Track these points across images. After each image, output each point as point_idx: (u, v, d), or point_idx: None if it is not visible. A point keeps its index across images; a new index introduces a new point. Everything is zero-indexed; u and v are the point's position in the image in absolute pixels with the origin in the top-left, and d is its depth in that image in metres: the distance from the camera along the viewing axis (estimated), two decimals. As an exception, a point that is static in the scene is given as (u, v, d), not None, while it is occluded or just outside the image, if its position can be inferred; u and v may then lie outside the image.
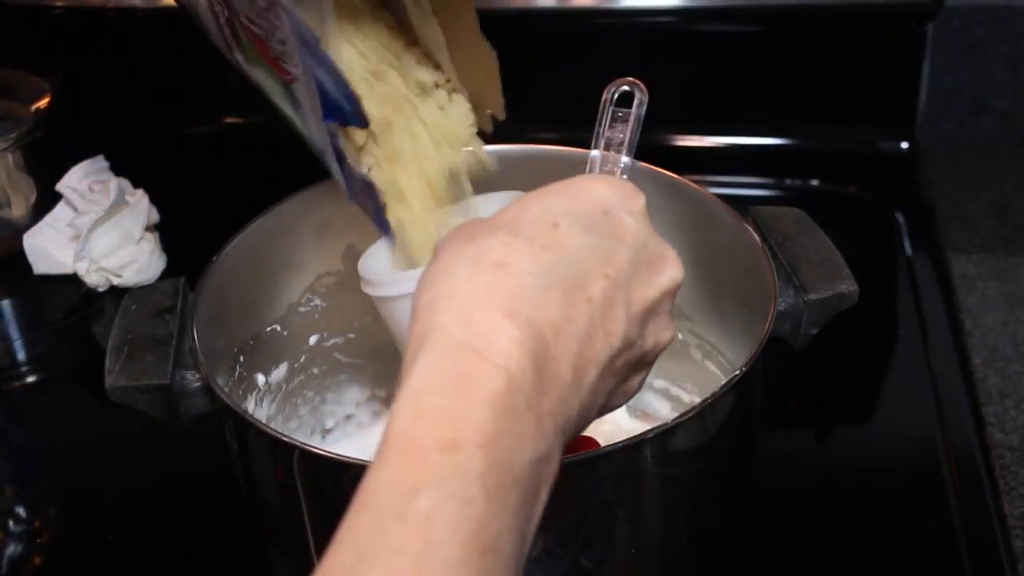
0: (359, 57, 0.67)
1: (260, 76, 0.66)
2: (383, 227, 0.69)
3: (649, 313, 0.49)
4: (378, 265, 0.70)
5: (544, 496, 0.42)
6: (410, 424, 0.40)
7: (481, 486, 0.39)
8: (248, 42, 0.63)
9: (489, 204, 0.72)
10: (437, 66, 0.70)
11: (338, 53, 0.65)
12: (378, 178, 0.67)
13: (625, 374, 0.48)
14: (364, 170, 0.66)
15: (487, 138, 0.71)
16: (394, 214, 0.68)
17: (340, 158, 0.64)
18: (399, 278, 0.68)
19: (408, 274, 0.68)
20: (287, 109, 0.67)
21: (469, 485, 0.39)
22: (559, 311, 0.44)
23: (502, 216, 0.48)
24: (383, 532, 0.38)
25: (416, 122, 0.68)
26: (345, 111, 0.62)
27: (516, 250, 0.45)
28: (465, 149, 0.70)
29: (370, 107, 0.63)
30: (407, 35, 0.70)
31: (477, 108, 0.71)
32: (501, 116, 0.71)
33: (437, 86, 0.70)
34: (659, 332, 0.50)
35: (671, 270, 0.50)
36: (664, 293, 0.49)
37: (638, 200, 0.50)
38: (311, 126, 0.64)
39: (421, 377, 0.41)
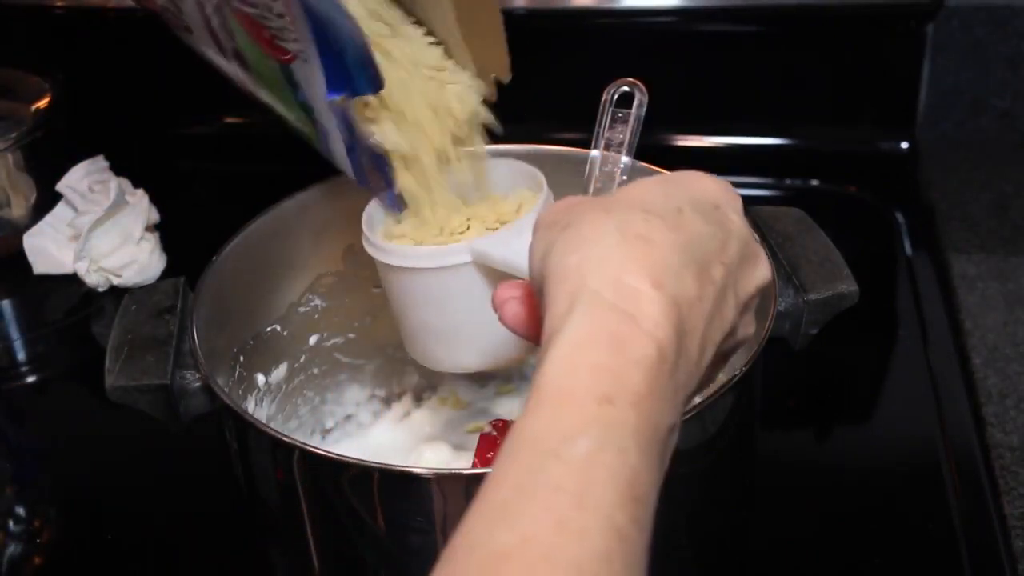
0: (367, 18, 0.66)
1: (254, 58, 0.65)
2: (394, 203, 0.68)
3: (747, 305, 0.51)
4: (381, 225, 0.70)
5: (667, 465, 0.44)
6: (566, 375, 0.42)
7: (635, 441, 0.41)
8: (240, 28, 0.62)
9: (497, 167, 0.72)
10: (432, 36, 0.69)
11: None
12: (388, 143, 0.66)
13: (720, 361, 0.50)
14: (374, 138, 0.65)
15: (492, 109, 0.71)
16: (404, 181, 0.68)
17: (349, 130, 0.63)
18: (410, 251, 0.67)
19: (422, 249, 0.67)
20: (280, 96, 0.66)
21: (625, 437, 0.41)
22: (693, 289, 0.46)
23: (627, 194, 0.49)
24: (542, 470, 0.39)
25: (421, 90, 0.68)
26: (353, 76, 0.60)
27: (656, 227, 0.46)
28: (471, 116, 0.69)
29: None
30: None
31: (481, 72, 0.70)
32: (506, 78, 0.70)
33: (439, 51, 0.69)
34: (748, 325, 0.52)
35: (764, 269, 0.51)
36: (759, 289, 0.51)
37: (739, 200, 0.52)
38: (316, 106, 0.63)
39: (577, 332, 0.43)
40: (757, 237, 0.52)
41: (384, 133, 0.66)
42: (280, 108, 0.68)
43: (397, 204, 0.69)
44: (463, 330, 0.68)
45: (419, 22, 0.70)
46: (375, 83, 0.61)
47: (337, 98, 0.61)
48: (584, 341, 0.43)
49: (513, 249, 0.61)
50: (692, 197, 0.50)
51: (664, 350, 0.43)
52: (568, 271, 0.45)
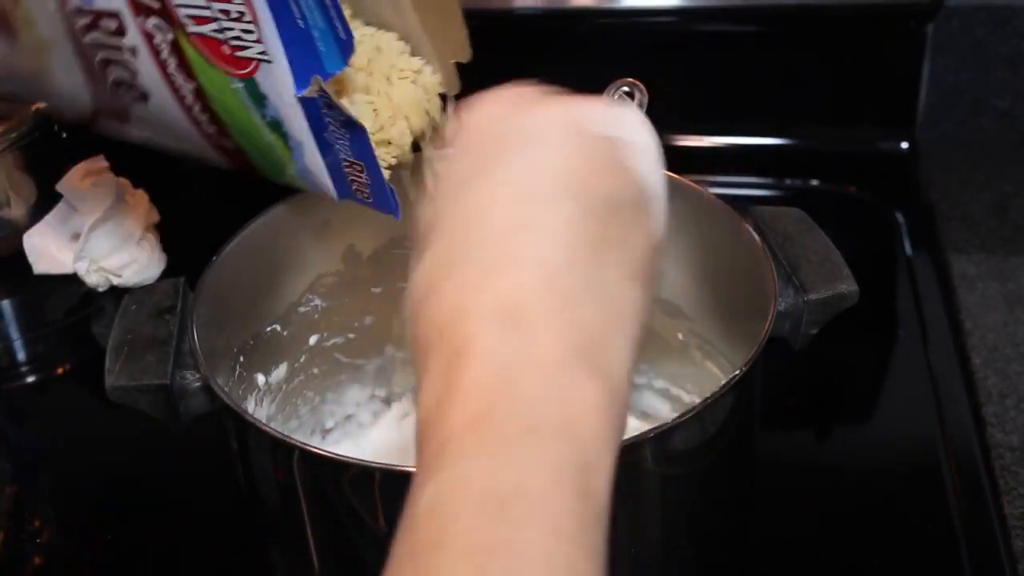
0: None
1: (219, 110, 0.64)
2: (387, 203, 0.67)
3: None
4: None
5: (583, 424, 0.41)
6: (420, 440, 0.42)
7: (480, 455, 0.39)
8: (197, 56, 0.62)
9: None
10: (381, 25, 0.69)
11: None
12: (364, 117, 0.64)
13: (624, 241, 0.46)
14: (353, 112, 0.63)
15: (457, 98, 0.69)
16: (385, 160, 0.66)
17: (322, 125, 0.62)
18: None
19: None
20: (257, 135, 0.65)
21: (462, 460, 0.39)
22: (506, 274, 0.44)
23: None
24: (407, 536, 0.38)
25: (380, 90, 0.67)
26: (320, 50, 0.59)
27: (456, 244, 0.46)
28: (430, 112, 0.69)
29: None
30: None
31: (440, 58, 0.68)
32: (466, 58, 0.69)
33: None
34: (616, 177, 0.48)
35: (572, 119, 0.50)
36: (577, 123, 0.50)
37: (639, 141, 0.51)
38: (285, 115, 0.62)
39: (422, 392, 0.43)
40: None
41: (358, 108, 0.65)
42: (252, 152, 0.68)
43: (393, 206, 0.68)
44: None
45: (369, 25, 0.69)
46: (345, 47, 0.59)
47: (307, 89, 0.60)
48: (426, 396, 0.42)
49: None
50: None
51: (490, 349, 0.41)
52: (412, 327, 0.45)
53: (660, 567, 0.66)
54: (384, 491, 0.60)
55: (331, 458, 0.60)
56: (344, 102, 0.64)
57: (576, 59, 1.11)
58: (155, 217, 1.03)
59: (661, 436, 0.59)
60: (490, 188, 0.47)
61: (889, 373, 0.91)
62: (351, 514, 0.61)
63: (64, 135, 1.08)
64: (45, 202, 1.03)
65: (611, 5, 1.09)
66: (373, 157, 0.64)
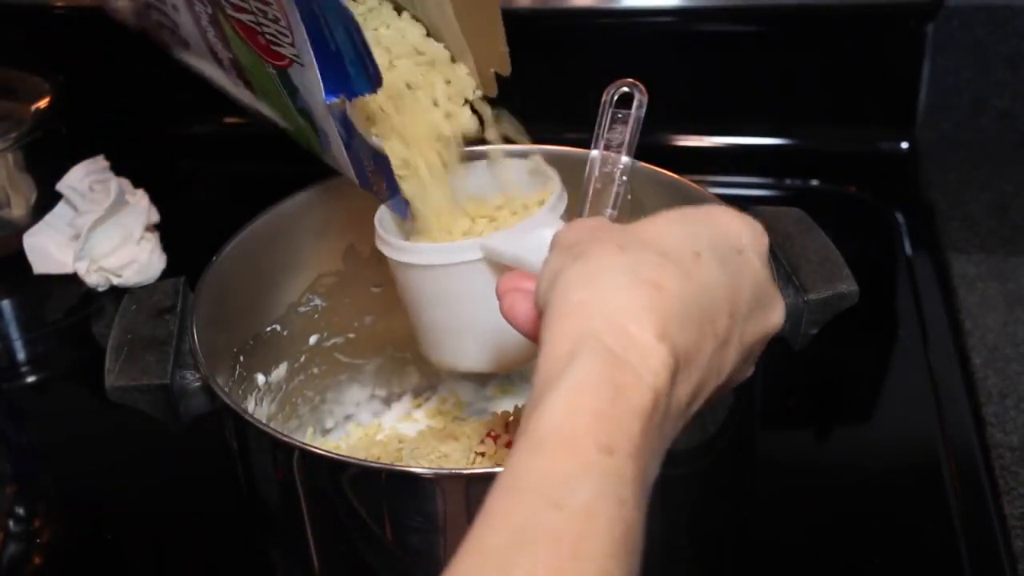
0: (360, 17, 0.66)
1: (250, 63, 0.65)
2: (401, 208, 0.68)
3: (750, 353, 0.50)
4: (393, 225, 0.70)
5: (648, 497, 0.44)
6: (567, 421, 0.42)
7: (631, 492, 0.41)
8: (236, 36, 0.62)
9: (508, 167, 0.72)
10: (427, 32, 0.69)
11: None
12: (386, 147, 0.66)
13: (706, 405, 0.49)
14: (374, 139, 0.64)
15: (492, 103, 0.70)
16: (406, 184, 0.68)
17: (349, 131, 0.63)
18: (421, 247, 0.67)
19: (433, 246, 0.67)
20: (287, 112, 0.66)
21: (623, 488, 0.41)
22: (693, 341, 0.45)
23: (645, 231, 0.48)
24: (541, 517, 0.39)
25: (421, 93, 0.68)
26: (351, 75, 0.60)
27: (668, 273, 0.45)
28: (469, 115, 0.69)
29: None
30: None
31: (480, 67, 0.70)
32: (506, 71, 0.70)
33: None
34: (747, 370, 0.51)
35: (778, 317, 0.51)
36: (766, 335, 0.51)
37: (765, 242, 0.51)
38: (315, 110, 0.63)
39: (578, 378, 0.43)
40: (776, 282, 0.51)
41: (383, 139, 0.66)
42: (281, 120, 0.68)
43: (404, 209, 0.68)
44: (473, 329, 0.68)
45: (416, 19, 0.70)
46: (373, 80, 0.60)
47: (335, 100, 0.61)
48: (585, 388, 0.42)
49: (523, 246, 0.60)
50: (714, 239, 0.49)
51: (659, 402, 0.43)
52: (571, 308, 0.45)
53: (660, 567, 0.66)
54: (384, 491, 0.60)
55: (331, 458, 0.60)
56: (368, 123, 0.65)
57: (576, 59, 1.11)
58: (155, 217, 1.03)
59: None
60: (693, 272, 0.47)
61: (889, 373, 0.91)
62: (351, 514, 0.61)
63: (64, 135, 1.08)
64: (45, 202, 1.03)
65: (611, 5, 1.09)
66: (392, 176, 0.66)
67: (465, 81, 0.69)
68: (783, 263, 0.70)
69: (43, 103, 1.06)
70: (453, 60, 0.70)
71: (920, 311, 0.94)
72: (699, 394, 0.47)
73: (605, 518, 0.40)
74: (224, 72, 0.67)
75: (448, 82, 0.69)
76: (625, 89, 0.65)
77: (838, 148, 1.14)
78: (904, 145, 1.13)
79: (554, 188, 0.68)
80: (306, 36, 0.58)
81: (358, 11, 0.67)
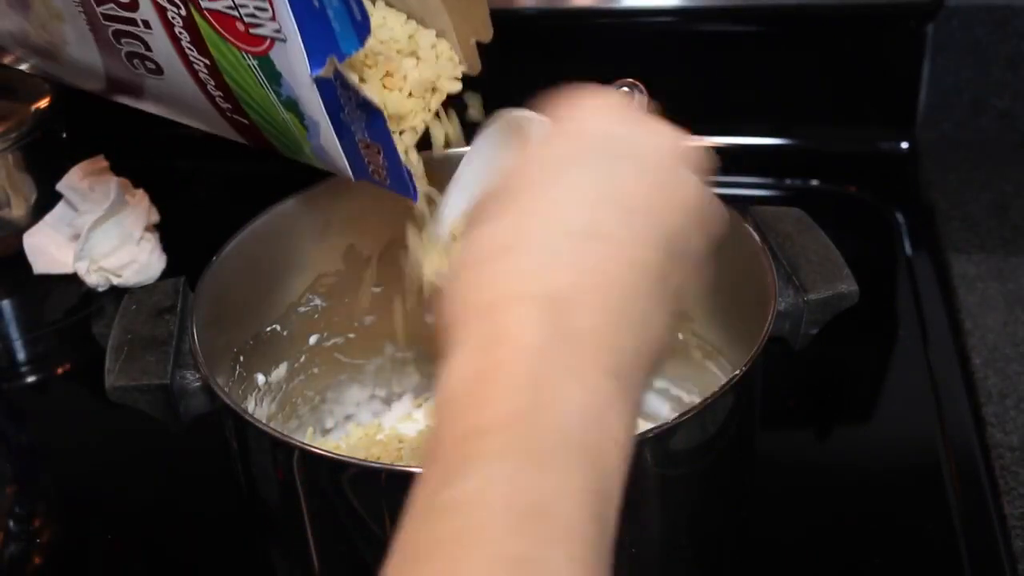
0: None
1: (234, 86, 0.64)
2: (403, 186, 0.67)
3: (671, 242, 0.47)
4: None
5: (613, 451, 0.40)
6: (445, 417, 0.40)
7: (523, 458, 0.38)
8: (212, 32, 0.61)
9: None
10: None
11: None
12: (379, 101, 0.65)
13: (668, 280, 0.46)
14: (366, 92, 0.63)
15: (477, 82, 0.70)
16: (404, 144, 0.67)
17: (337, 106, 0.61)
18: None
19: None
20: (273, 113, 0.65)
21: (507, 460, 0.38)
22: (567, 272, 0.43)
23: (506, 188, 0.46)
24: (425, 526, 0.37)
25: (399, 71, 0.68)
26: (336, 30, 0.58)
27: (522, 229, 0.44)
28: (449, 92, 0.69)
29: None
30: None
31: (462, 41, 0.69)
32: (487, 37, 0.69)
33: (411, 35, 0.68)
34: (682, 216, 0.47)
35: (663, 150, 0.49)
36: (683, 219, 0.47)
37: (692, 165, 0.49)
38: (300, 95, 0.62)
39: (444, 381, 0.41)
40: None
41: (374, 93, 0.65)
42: (268, 129, 0.67)
43: (408, 185, 0.67)
44: None
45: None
46: (361, 30, 0.59)
47: (322, 70, 0.60)
48: (456, 373, 0.41)
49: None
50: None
51: (535, 353, 0.40)
52: (445, 301, 0.44)
53: (660, 567, 0.66)
54: (384, 491, 0.60)
55: (331, 458, 0.60)
56: (361, 83, 0.64)
57: (576, 59, 1.11)
58: (155, 217, 1.03)
59: (661, 436, 0.59)
60: (575, 186, 0.45)
61: (889, 373, 0.90)
62: (351, 514, 0.61)
63: (64, 135, 1.08)
64: (45, 202, 1.03)
65: (611, 5, 1.09)
66: (390, 139, 0.64)
67: (447, 65, 0.69)
68: (783, 263, 0.70)
69: (43, 103, 1.06)
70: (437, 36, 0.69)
71: (920, 311, 0.94)
72: (616, 298, 0.43)
73: (487, 504, 0.37)
74: (201, 89, 0.66)
75: (422, 58, 0.68)
76: (625, 89, 0.65)
77: (838, 148, 1.14)
78: (904, 145, 1.12)
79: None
80: (287, 1, 0.57)
81: None
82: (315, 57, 0.59)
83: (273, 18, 0.58)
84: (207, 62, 0.63)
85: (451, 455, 0.39)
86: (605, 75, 0.67)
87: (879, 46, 1.10)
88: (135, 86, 0.67)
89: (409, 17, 0.70)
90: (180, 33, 0.62)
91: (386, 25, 0.68)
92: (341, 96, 0.61)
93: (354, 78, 0.62)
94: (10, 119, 1.04)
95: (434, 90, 0.69)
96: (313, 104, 0.62)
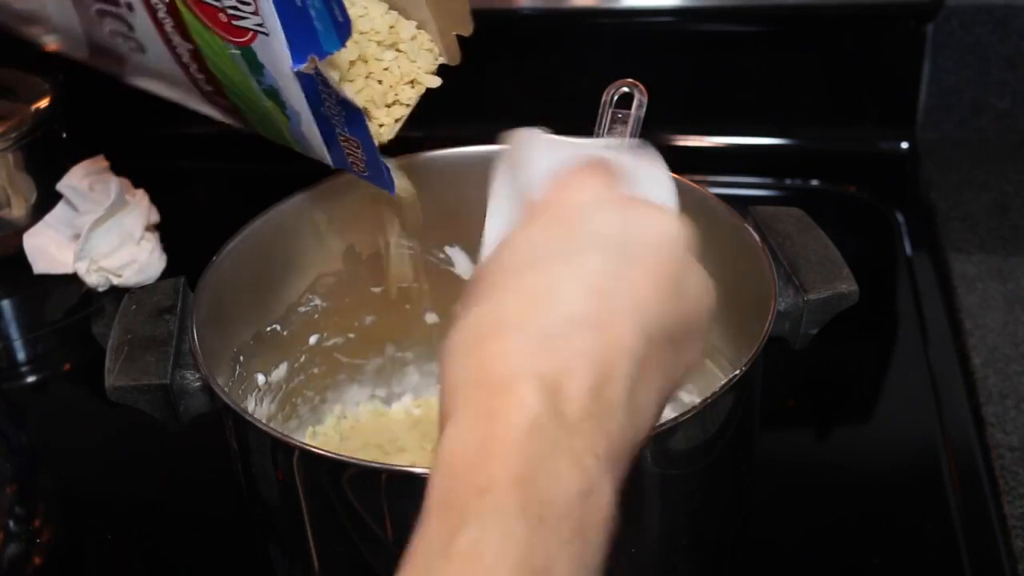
0: None
1: (216, 72, 0.64)
2: (379, 174, 0.67)
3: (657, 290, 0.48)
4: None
5: (599, 528, 0.42)
6: (444, 480, 0.42)
7: (522, 519, 0.40)
8: (195, 20, 0.61)
9: None
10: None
11: None
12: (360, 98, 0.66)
13: (666, 368, 0.47)
14: (346, 92, 0.63)
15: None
16: (379, 137, 0.68)
17: (318, 99, 0.62)
18: None
19: None
20: (255, 99, 0.65)
21: (507, 519, 0.40)
22: (564, 358, 0.44)
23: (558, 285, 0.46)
24: (429, 572, 0.39)
25: (376, 63, 0.68)
26: (317, 29, 0.59)
27: (523, 311, 0.45)
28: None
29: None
30: None
31: (443, 32, 0.69)
32: (468, 31, 0.69)
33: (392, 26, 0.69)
34: (685, 306, 0.48)
35: (668, 239, 0.49)
36: (664, 264, 0.48)
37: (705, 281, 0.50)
38: (282, 85, 0.62)
39: (450, 434, 0.43)
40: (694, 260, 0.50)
41: (354, 91, 0.66)
42: (249, 113, 0.67)
43: (386, 179, 0.68)
44: None
45: None
46: (343, 30, 0.59)
47: (303, 65, 0.60)
48: (457, 440, 0.42)
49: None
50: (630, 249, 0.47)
51: (537, 427, 0.42)
52: (445, 373, 0.45)
53: (660, 567, 0.66)
54: (384, 491, 0.60)
55: (331, 458, 0.60)
56: (340, 80, 0.64)
57: (576, 59, 1.11)
58: (155, 217, 1.03)
59: (661, 436, 0.59)
60: (572, 272, 0.46)
61: (889, 373, 0.91)
62: (351, 514, 0.61)
63: (64, 135, 1.08)
64: (45, 202, 1.03)
65: (611, 5, 1.09)
66: (369, 137, 0.65)
67: (426, 57, 0.69)
68: (783, 263, 0.70)
69: (43, 103, 1.06)
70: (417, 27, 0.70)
71: (920, 311, 0.94)
72: (606, 386, 0.44)
73: (490, 554, 0.39)
74: (183, 71, 0.66)
75: (403, 51, 0.69)
76: (625, 89, 0.65)
77: (838, 148, 1.14)
78: (904, 145, 1.13)
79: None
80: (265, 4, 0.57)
81: None
82: (297, 53, 0.60)
83: (256, 12, 0.58)
84: (190, 47, 0.63)
85: (452, 512, 0.41)
86: (605, 75, 0.67)
87: (879, 46, 1.10)
88: (118, 58, 0.67)
89: (391, 7, 0.70)
90: (163, 18, 0.62)
91: (367, 15, 0.68)
92: (322, 91, 0.62)
93: (334, 77, 0.63)
94: (10, 119, 1.04)
95: (412, 84, 0.69)
96: (294, 96, 0.62)
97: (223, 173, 1.22)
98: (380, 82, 0.68)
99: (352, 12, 0.65)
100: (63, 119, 1.07)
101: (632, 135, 0.65)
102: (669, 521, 0.65)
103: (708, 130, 1.16)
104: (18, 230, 1.03)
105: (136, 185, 1.05)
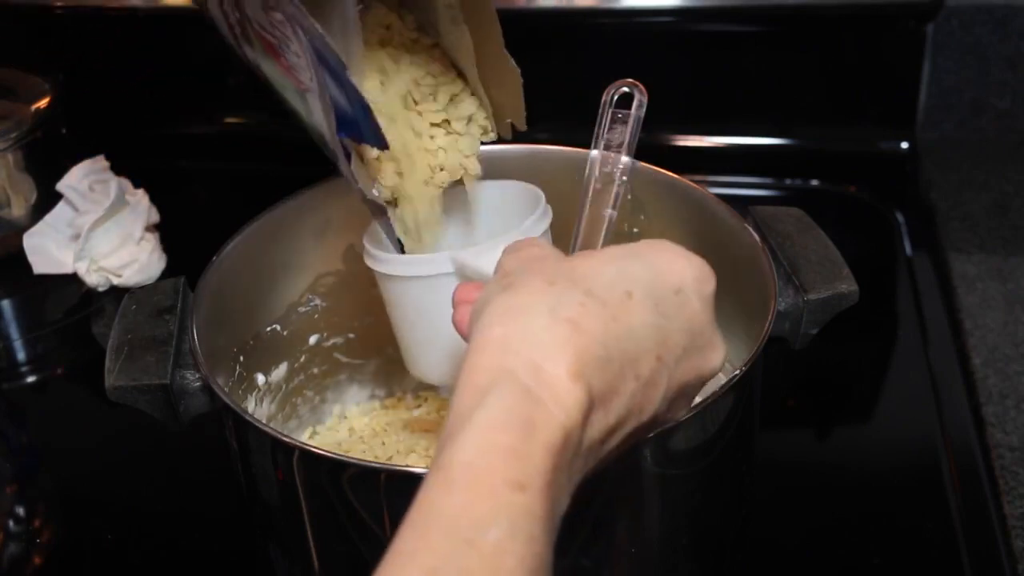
0: (380, 86, 0.67)
1: (271, 71, 0.65)
2: (387, 228, 0.70)
3: (681, 394, 0.50)
4: (382, 239, 0.71)
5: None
6: (479, 457, 0.42)
7: (541, 528, 0.41)
8: (260, 47, 0.63)
9: (497, 192, 0.73)
10: (459, 75, 0.70)
11: (362, 81, 0.65)
12: (386, 186, 0.68)
13: (626, 444, 0.49)
14: (374, 192, 0.67)
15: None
16: (400, 215, 0.69)
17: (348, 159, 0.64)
18: (400, 259, 0.69)
19: (411, 258, 0.69)
20: (297, 104, 0.66)
21: (535, 524, 0.41)
22: (610, 384, 0.45)
23: (579, 267, 0.48)
24: (456, 556, 0.39)
25: (426, 145, 0.69)
26: (364, 133, 0.62)
27: (590, 313, 0.45)
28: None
29: (388, 135, 0.63)
30: (429, 46, 0.70)
31: (498, 117, 0.71)
32: (522, 127, 0.71)
33: (453, 97, 0.70)
34: (676, 410, 0.51)
35: (716, 360, 0.50)
36: (701, 380, 0.50)
37: (709, 284, 0.50)
38: (325, 134, 0.64)
39: (491, 414, 0.43)
40: (714, 326, 0.50)
41: (385, 178, 0.68)
42: (298, 107, 0.68)
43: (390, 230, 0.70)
44: (451, 342, 0.68)
45: (444, 52, 0.70)
46: (380, 143, 0.62)
47: (346, 139, 0.62)
48: (498, 425, 0.42)
49: (489, 261, 0.59)
50: (651, 279, 0.48)
51: (571, 439, 0.43)
52: (490, 342, 0.45)
53: (660, 567, 0.66)
54: (384, 491, 0.60)
55: (331, 458, 0.60)
56: (373, 162, 0.65)
57: (576, 59, 1.11)
58: (155, 217, 1.03)
59: (661, 436, 0.59)
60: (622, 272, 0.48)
61: (889, 373, 0.91)
62: (351, 514, 0.61)
63: (64, 135, 1.08)
64: (45, 202, 1.03)
65: (611, 5, 1.09)
66: (391, 226, 0.69)
67: (471, 139, 0.70)
68: (783, 263, 0.70)
69: (43, 103, 1.06)
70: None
71: (920, 311, 0.94)
72: (615, 433, 0.46)
73: (516, 556, 0.40)
74: (247, 67, 0.68)
75: (458, 135, 0.70)
76: (625, 89, 0.65)
77: (838, 148, 1.14)
78: (904, 145, 1.13)
79: (536, 208, 0.68)
80: (326, 82, 0.59)
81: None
82: (342, 127, 0.62)
83: (312, 78, 0.60)
84: (252, 55, 0.65)
85: (483, 493, 0.41)
86: (605, 75, 0.67)
87: (879, 46, 1.10)
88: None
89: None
90: (233, 25, 0.64)
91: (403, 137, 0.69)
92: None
93: (363, 177, 0.66)
94: (10, 119, 1.04)
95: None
96: (335, 146, 0.63)
97: (223, 173, 1.22)
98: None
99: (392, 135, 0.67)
100: (63, 119, 1.08)
101: (632, 134, 0.65)
102: (669, 521, 0.65)
103: (708, 130, 1.16)
104: (18, 230, 1.03)
105: (136, 185, 1.05)
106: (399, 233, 0.70)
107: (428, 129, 0.69)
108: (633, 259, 0.49)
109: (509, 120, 0.71)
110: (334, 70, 0.58)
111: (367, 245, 0.70)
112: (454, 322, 0.52)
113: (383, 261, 0.69)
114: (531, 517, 0.41)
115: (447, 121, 0.69)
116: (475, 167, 0.70)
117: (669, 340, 0.47)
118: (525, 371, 0.43)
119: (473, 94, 0.70)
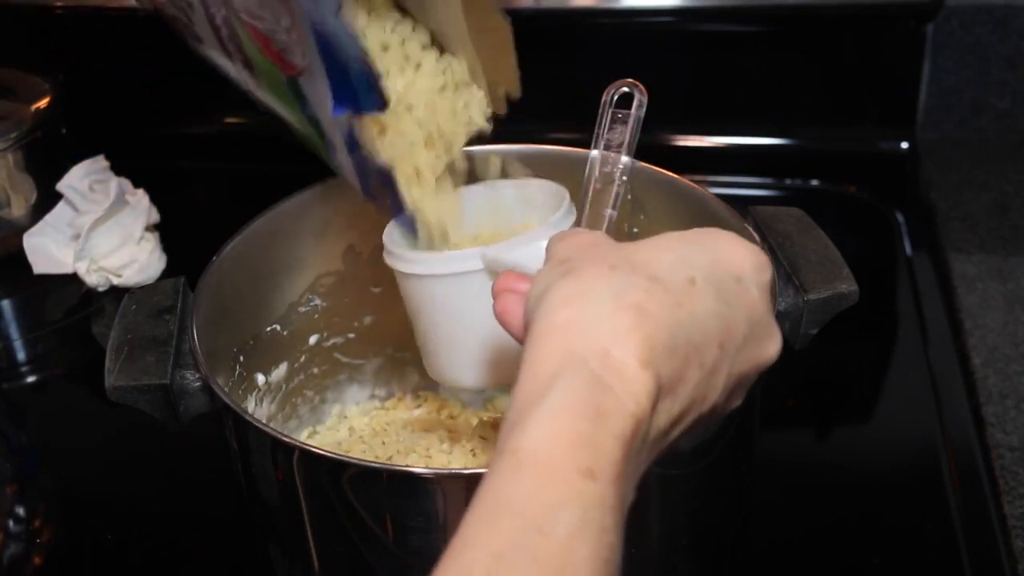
0: (379, 53, 0.66)
1: (265, 86, 0.65)
2: (406, 223, 0.68)
3: (739, 384, 0.49)
4: (402, 237, 0.70)
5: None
6: (549, 444, 0.41)
7: (612, 518, 0.41)
8: (248, 40, 0.63)
9: (507, 188, 0.72)
10: (442, 49, 0.69)
11: (355, 25, 0.64)
12: (392, 158, 0.66)
13: (688, 432, 0.49)
14: (381, 159, 0.65)
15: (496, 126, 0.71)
16: (411, 197, 0.68)
17: (355, 146, 0.63)
18: (423, 257, 0.67)
19: (435, 255, 0.68)
20: (288, 110, 0.66)
21: (605, 515, 0.40)
22: (677, 372, 0.45)
23: (640, 252, 0.47)
24: (525, 544, 0.39)
25: (430, 109, 0.68)
26: (359, 95, 0.60)
27: (655, 298, 0.45)
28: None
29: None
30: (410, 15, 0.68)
31: (491, 88, 0.70)
32: (516, 94, 0.70)
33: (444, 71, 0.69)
34: (734, 400, 0.50)
35: (773, 350, 0.50)
36: (758, 370, 0.50)
37: (767, 273, 0.50)
38: (323, 119, 0.63)
39: (561, 400, 0.42)
40: (772, 315, 0.50)
41: (389, 147, 0.66)
42: (290, 118, 0.68)
43: (410, 224, 0.68)
44: (477, 342, 0.67)
45: (433, 34, 0.70)
46: (380, 102, 0.61)
47: (343, 114, 0.61)
48: (568, 412, 0.42)
49: (524, 255, 0.58)
50: (712, 266, 0.48)
51: (640, 428, 0.43)
52: (556, 327, 0.44)
53: (660, 567, 0.66)
54: (384, 491, 0.60)
55: (331, 458, 0.60)
56: (376, 130, 0.65)
57: (576, 59, 1.11)
58: (155, 217, 1.03)
59: (661, 436, 0.59)
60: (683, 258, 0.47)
61: (889, 373, 0.91)
62: (351, 514, 0.61)
63: (64, 135, 1.08)
64: (45, 202, 1.03)
65: (611, 5, 1.09)
66: (396, 192, 0.66)
67: (478, 103, 0.69)
68: (783, 263, 0.70)
69: (43, 103, 1.06)
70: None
71: (920, 311, 0.94)
72: (680, 422, 0.46)
73: (588, 546, 0.39)
74: (236, 69, 0.67)
75: (454, 91, 0.69)
76: (625, 89, 0.65)
77: (838, 148, 1.14)
78: (904, 145, 1.13)
79: (561, 205, 0.67)
80: (318, 52, 0.58)
81: (378, 31, 0.67)
82: (339, 103, 0.61)
83: (304, 56, 0.60)
84: (242, 57, 0.65)
85: (554, 479, 0.40)
86: (605, 75, 0.67)
87: (879, 46, 1.10)
88: (183, 25, 0.68)
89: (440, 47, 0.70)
90: (219, 27, 0.64)
91: (415, 86, 0.68)
92: (358, 136, 0.63)
93: (370, 137, 0.64)
94: (10, 119, 1.04)
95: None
96: (333, 133, 0.63)
97: (223, 173, 1.22)
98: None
99: (400, 83, 0.66)
100: (63, 119, 1.08)
101: (632, 134, 0.65)
102: (669, 521, 0.65)
103: (708, 130, 1.16)
104: (18, 230, 1.03)
105: (136, 185, 1.05)
106: (420, 234, 0.69)
107: (419, 54, 0.68)
108: (692, 245, 0.48)
109: (504, 90, 0.70)
110: (326, 19, 0.57)
111: (387, 245, 0.69)
112: (496, 312, 0.50)
113: (408, 260, 0.67)
114: (603, 507, 0.40)
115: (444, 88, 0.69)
116: (483, 121, 0.69)
117: (731, 328, 0.47)
118: (594, 358, 0.43)
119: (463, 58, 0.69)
